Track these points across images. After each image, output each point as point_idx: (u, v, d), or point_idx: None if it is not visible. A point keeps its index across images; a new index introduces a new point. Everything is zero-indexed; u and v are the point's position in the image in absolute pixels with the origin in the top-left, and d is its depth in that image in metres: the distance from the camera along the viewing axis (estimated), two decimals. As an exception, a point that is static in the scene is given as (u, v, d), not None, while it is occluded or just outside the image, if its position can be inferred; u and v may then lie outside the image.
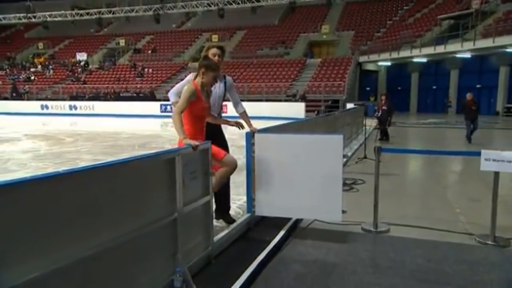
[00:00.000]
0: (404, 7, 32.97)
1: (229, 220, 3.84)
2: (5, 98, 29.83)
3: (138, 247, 2.32)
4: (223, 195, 3.80)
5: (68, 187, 1.86)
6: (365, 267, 3.16)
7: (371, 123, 12.09)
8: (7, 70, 36.00)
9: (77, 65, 34.84)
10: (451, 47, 22.63)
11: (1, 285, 1.54)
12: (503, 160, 3.58)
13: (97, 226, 2.01)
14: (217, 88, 3.82)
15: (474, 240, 3.74)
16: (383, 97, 12.34)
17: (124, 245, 2.17)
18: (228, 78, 3.97)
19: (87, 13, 37.13)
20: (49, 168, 7.37)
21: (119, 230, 2.14)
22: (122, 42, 36.93)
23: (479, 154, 3.69)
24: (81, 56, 35.69)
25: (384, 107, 11.77)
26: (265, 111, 19.74)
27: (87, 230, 1.95)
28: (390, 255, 3.39)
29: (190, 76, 3.82)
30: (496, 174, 3.71)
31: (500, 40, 19.57)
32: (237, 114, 3.96)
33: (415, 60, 26.12)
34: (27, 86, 31.24)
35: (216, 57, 3.61)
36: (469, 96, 11.66)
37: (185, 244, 2.74)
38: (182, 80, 3.97)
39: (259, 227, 3.95)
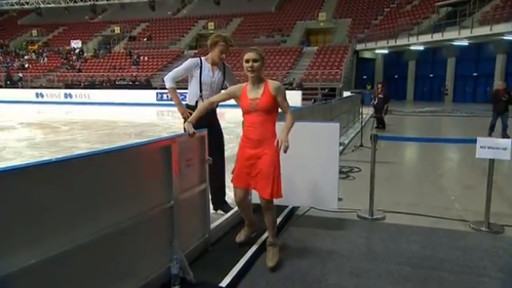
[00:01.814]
0: (402, -6, 32.72)
1: (227, 209, 3.85)
2: (-1, 86, 29.54)
3: (135, 234, 2.33)
4: (218, 186, 3.75)
5: (64, 174, 1.86)
6: (360, 254, 3.19)
7: (367, 111, 12.09)
8: (0, 57, 35.55)
9: (72, 52, 34.45)
10: (448, 34, 22.53)
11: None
12: (498, 147, 3.60)
13: (94, 213, 2.01)
14: (215, 77, 3.74)
15: (469, 227, 3.78)
16: (379, 85, 12.33)
17: (121, 232, 2.18)
18: (227, 65, 3.89)
19: (81, 0, 36.57)
20: (45, 156, 7.34)
21: (116, 217, 2.14)
22: (117, 29, 36.47)
23: (474, 141, 3.71)
24: (76, 44, 35.26)
25: (380, 95, 11.77)
26: (261, 99, 19.60)
27: (84, 217, 1.95)
28: (385, 242, 3.43)
29: (189, 62, 3.73)
30: (491, 161, 3.74)
31: (498, 28, 19.49)
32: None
33: (412, 48, 26.03)
34: (20, 74, 30.90)
35: (224, 55, 3.66)
36: (501, 85, 10.01)
37: (182, 231, 2.75)
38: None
39: (255, 214, 3.96)
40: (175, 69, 3.78)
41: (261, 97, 2.86)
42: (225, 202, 3.94)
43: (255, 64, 2.84)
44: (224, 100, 3.12)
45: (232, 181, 3.05)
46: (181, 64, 3.84)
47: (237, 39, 31.79)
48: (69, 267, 1.88)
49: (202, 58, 3.74)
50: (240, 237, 3.25)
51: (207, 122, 3.40)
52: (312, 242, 3.42)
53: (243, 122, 3.02)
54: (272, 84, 2.90)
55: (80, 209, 1.93)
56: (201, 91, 3.73)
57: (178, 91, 3.83)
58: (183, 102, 3.81)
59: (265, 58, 2.92)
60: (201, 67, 3.69)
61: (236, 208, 3.87)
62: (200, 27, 35.11)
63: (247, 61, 2.85)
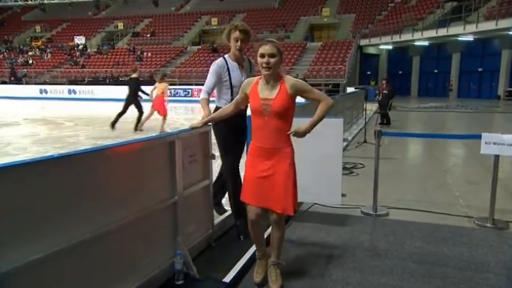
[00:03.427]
0: (407, -11, 32.45)
1: (220, 211, 3.68)
2: (4, 82, 29.65)
3: (139, 230, 2.34)
4: (222, 184, 3.55)
5: (70, 170, 1.86)
6: (364, 250, 3.18)
7: (371, 107, 12.05)
8: (5, 53, 35.65)
9: (75, 48, 34.50)
10: (453, 30, 22.35)
11: (1, 267, 1.55)
12: (503, 143, 3.57)
13: (98, 208, 2.02)
14: (244, 77, 3.27)
15: (473, 223, 3.77)
16: (384, 81, 12.29)
17: (125, 227, 2.18)
18: (253, 62, 3.42)
19: (84, -5, 36.58)
20: (50, 152, 7.37)
21: (120, 212, 2.15)
22: (120, 25, 36.47)
23: (479, 137, 3.68)
24: (79, 40, 35.30)
25: (384, 91, 11.73)
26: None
27: (89, 212, 1.96)
28: (389, 238, 3.42)
29: (215, 67, 3.29)
30: (496, 157, 3.71)
31: (504, 23, 19.31)
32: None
33: (417, 43, 25.86)
34: (25, 70, 31.01)
35: (239, 43, 3.19)
36: None
37: (185, 227, 2.76)
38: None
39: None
40: (206, 82, 3.33)
41: (276, 97, 2.38)
42: (221, 203, 3.74)
43: (272, 60, 2.36)
44: (240, 101, 2.64)
45: (242, 198, 2.60)
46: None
47: (240, 35, 31.84)
48: (74, 262, 1.89)
49: (225, 56, 3.34)
50: (258, 276, 2.64)
51: (238, 124, 3.23)
52: (316, 238, 3.41)
53: (251, 125, 2.57)
54: (289, 81, 2.43)
55: (84, 204, 1.94)
56: (232, 94, 3.28)
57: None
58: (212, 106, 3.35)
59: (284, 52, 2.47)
60: (228, 69, 3.28)
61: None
62: (203, 23, 35.04)
63: (263, 55, 2.37)
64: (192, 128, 2.84)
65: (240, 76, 3.30)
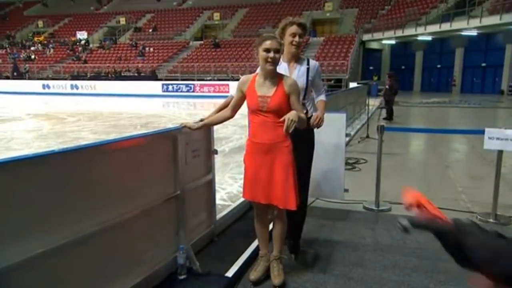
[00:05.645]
0: (410, -17, 32.19)
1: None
2: (6, 77, 29.70)
3: (142, 224, 2.34)
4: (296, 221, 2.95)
5: (72, 164, 1.87)
6: (366, 245, 3.19)
7: (374, 102, 12.02)
8: (7, 48, 35.68)
9: (78, 44, 34.48)
10: (457, 24, 22.21)
11: (4, 261, 1.56)
12: (506, 138, 3.56)
13: (100, 203, 2.02)
14: (295, 75, 2.75)
15: (476, 218, 3.76)
16: (387, 75, 12.34)
17: (128, 222, 2.19)
18: (313, 62, 2.91)
19: (86, -9, 36.50)
20: (52, 147, 7.39)
21: (123, 207, 2.15)
22: (122, 20, 36.42)
23: (482, 132, 3.67)
24: (82, 35, 35.27)
25: (387, 86, 11.74)
26: (267, 90, 19.50)
27: (91, 207, 1.96)
28: (391, 233, 3.42)
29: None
30: (500, 152, 3.70)
31: (508, 17, 19.17)
32: None
33: (420, 38, 25.72)
34: (27, 65, 31.05)
35: (297, 38, 2.75)
36: None
37: (188, 221, 2.76)
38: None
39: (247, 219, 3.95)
40: None
41: (273, 95, 2.35)
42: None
43: (277, 56, 2.33)
44: (236, 99, 2.52)
45: (244, 195, 2.59)
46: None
47: (242, 30, 31.73)
48: (76, 257, 1.90)
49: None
50: (256, 274, 2.60)
51: (298, 134, 2.49)
52: (318, 233, 3.42)
53: (248, 121, 2.53)
54: (286, 80, 2.40)
55: (86, 199, 1.94)
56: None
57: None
58: None
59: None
60: None
61: (241, 200, 3.89)
62: (205, 18, 34.94)
63: (268, 50, 2.31)
64: (184, 127, 2.62)
65: (297, 76, 2.77)
